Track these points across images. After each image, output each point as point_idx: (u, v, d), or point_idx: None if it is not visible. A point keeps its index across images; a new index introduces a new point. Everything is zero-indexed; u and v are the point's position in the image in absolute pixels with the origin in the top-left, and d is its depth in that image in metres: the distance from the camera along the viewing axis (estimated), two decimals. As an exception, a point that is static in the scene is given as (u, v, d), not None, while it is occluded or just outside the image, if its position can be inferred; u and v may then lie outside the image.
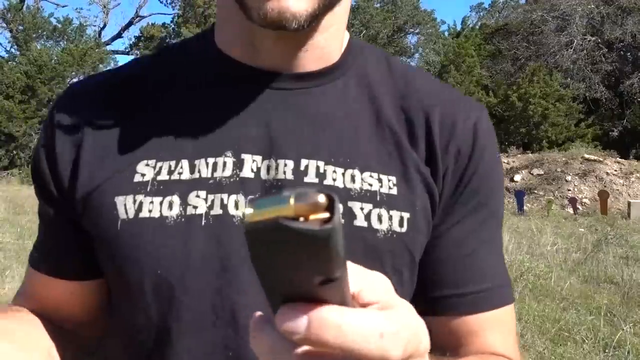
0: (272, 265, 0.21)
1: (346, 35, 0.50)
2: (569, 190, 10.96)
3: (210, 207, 0.43)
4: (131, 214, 0.44)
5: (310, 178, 0.44)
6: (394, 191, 0.45)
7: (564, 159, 12.04)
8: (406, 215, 0.46)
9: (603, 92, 17.78)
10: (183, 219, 0.44)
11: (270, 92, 0.46)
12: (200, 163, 0.45)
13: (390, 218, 0.45)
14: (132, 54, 25.51)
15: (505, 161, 12.57)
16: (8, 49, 22.84)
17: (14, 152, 18.92)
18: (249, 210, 0.20)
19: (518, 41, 19.09)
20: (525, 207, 10.05)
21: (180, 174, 0.44)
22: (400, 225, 0.45)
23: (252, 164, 0.44)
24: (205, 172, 0.44)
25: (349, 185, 0.45)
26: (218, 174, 0.44)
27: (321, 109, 0.47)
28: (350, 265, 0.24)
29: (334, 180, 0.44)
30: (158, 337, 0.44)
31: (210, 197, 0.44)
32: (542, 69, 17.37)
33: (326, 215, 0.20)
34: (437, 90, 0.51)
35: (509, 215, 9.56)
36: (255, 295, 0.41)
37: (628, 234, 7.02)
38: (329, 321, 0.21)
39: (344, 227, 0.36)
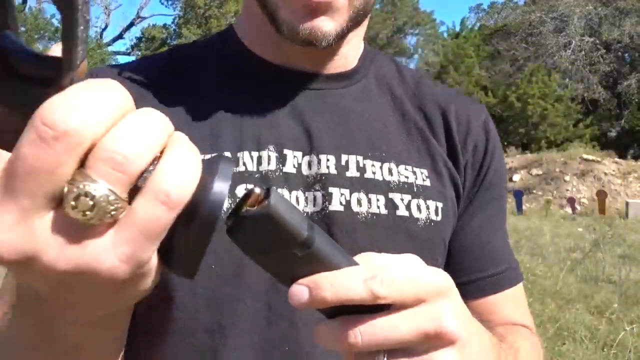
0: (259, 253, 0.27)
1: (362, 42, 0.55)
2: (568, 190, 11.02)
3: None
4: None
5: (352, 172, 0.46)
6: (427, 183, 0.49)
7: (562, 159, 12.10)
8: (440, 204, 0.49)
9: (601, 93, 17.84)
10: None
11: (304, 92, 0.48)
12: (244, 155, 0.45)
13: (428, 208, 0.48)
14: (133, 55, 25.49)
15: (504, 161, 12.63)
16: (8, 50, 22.81)
17: (14, 153, 18.88)
18: (223, 220, 0.25)
19: (517, 42, 19.14)
20: (524, 207, 10.10)
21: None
22: (436, 214, 0.49)
23: (293, 159, 0.46)
24: (251, 165, 0.45)
25: (388, 178, 0.47)
26: (263, 167, 0.45)
27: (352, 107, 0.49)
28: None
29: (374, 173, 0.47)
30: (211, 336, 0.44)
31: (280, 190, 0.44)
32: (541, 70, 17.42)
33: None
34: (446, 91, 0.56)
35: (508, 214, 9.59)
36: None
37: (626, 234, 7.05)
38: (322, 284, 0.27)
39: (388, 218, 0.41)
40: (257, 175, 0.44)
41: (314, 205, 0.45)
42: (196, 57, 0.50)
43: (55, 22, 22.26)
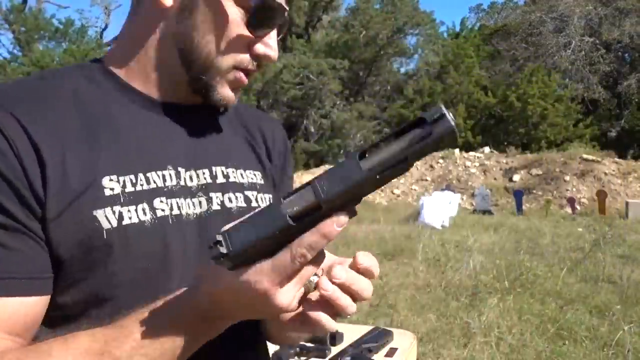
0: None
1: None
2: (568, 190, 11.00)
3: (171, 209, 0.56)
4: (114, 224, 0.51)
5: (220, 179, 0.62)
6: (262, 181, 0.68)
7: (562, 159, 12.08)
8: (270, 196, 0.68)
9: (601, 93, 17.83)
10: (156, 221, 0.55)
11: (184, 118, 0.62)
12: (153, 175, 0.56)
13: (265, 199, 0.67)
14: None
15: (504, 161, 12.61)
16: (10, 50, 22.77)
17: (14, 152, 18.89)
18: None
19: (517, 42, 19.13)
20: (523, 207, 10.08)
21: (142, 185, 0.55)
22: (270, 202, 0.66)
23: (184, 174, 0.59)
24: (160, 183, 0.57)
25: (241, 180, 0.65)
26: (168, 183, 0.57)
27: (214, 130, 0.66)
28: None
29: (235, 178, 0.64)
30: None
31: (169, 201, 0.57)
32: (541, 70, 17.40)
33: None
34: (256, 113, 0.75)
35: (507, 215, 9.60)
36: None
37: (626, 234, 7.04)
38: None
39: (248, 209, 0.63)
40: (165, 190, 0.57)
41: (201, 208, 0.60)
42: (85, 86, 0.58)
43: (56, 22, 22.26)
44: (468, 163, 12.58)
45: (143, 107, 0.59)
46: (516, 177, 11.82)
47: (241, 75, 0.60)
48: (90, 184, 0.51)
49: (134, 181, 0.54)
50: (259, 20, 0.57)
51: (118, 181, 0.53)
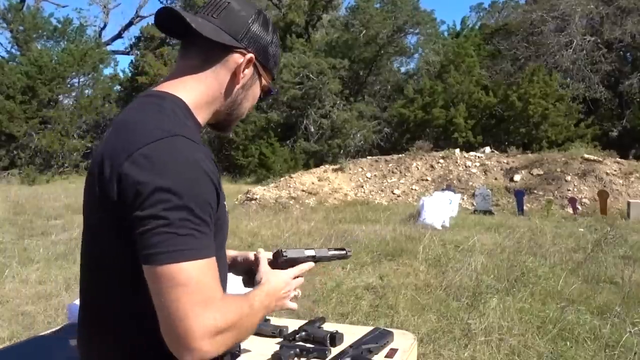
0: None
1: None
2: (569, 190, 10.97)
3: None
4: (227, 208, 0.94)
5: None
6: None
7: (563, 159, 12.05)
8: None
9: (603, 92, 17.79)
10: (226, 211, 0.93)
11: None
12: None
13: None
14: (132, 54, 25.49)
15: (505, 161, 12.58)
16: (8, 49, 22.78)
17: (15, 152, 18.88)
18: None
19: (518, 41, 19.10)
20: (525, 207, 10.05)
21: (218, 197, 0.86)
22: None
23: None
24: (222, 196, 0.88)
25: None
26: None
27: None
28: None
29: None
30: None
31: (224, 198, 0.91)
32: (542, 69, 17.37)
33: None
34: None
35: (508, 215, 9.57)
36: None
37: (627, 234, 7.02)
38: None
39: None
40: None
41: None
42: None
43: (54, 21, 22.24)
44: (469, 163, 12.55)
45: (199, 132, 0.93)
46: (517, 177, 11.80)
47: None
48: (224, 199, 0.90)
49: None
50: (265, 96, 1.03)
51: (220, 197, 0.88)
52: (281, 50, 1.03)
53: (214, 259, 0.78)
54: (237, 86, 0.93)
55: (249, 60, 0.92)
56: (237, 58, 0.91)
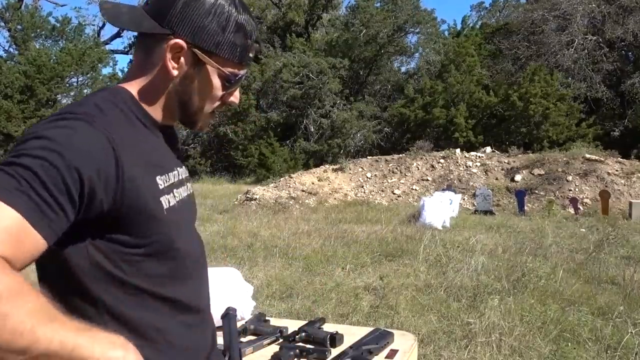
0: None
1: None
2: (570, 190, 10.94)
3: (180, 195, 0.89)
4: (166, 206, 0.83)
5: (184, 174, 0.94)
6: (188, 175, 0.98)
7: (565, 158, 12.02)
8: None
9: (604, 92, 17.76)
10: (177, 204, 0.87)
11: (164, 133, 0.91)
12: (170, 174, 0.87)
13: (191, 187, 0.99)
14: (131, 54, 25.45)
15: (506, 161, 12.55)
16: (6, 48, 22.75)
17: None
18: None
19: (519, 40, 19.07)
20: (526, 207, 10.03)
21: (167, 181, 0.86)
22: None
23: (178, 171, 0.92)
24: (173, 179, 0.88)
25: (186, 174, 0.96)
26: (176, 179, 0.90)
27: (174, 141, 0.96)
28: None
29: (186, 173, 0.96)
30: (182, 272, 0.89)
31: (179, 190, 0.90)
32: (543, 69, 17.34)
33: None
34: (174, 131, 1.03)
35: (509, 215, 9.55)
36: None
37: (629, 234, 7.00)
38: None
39: (193, 193, 1.06)
40: (175, 182, 0.89)
41: (187, 192, 0.93)
42: (123, 111, 0.84)
43: (52, 20, 22.23)
44: (469, 163, 12.53)
45: (155, 126, 0.88)
46: (518, 177, 11.77)
47: (213, 114, 0.92)
48: (152, 179, 0.83)
49: (165, 179, 0.85)
50: (230, 85, 0.87)
51: (161, 178, 0.84)
52: (255, 27, 0.86)
53: (26, 223, 0.64)
54: (174, 79, 0.82)
55: (177, 47, 0.80)
56: (165, 46, 0.80)
